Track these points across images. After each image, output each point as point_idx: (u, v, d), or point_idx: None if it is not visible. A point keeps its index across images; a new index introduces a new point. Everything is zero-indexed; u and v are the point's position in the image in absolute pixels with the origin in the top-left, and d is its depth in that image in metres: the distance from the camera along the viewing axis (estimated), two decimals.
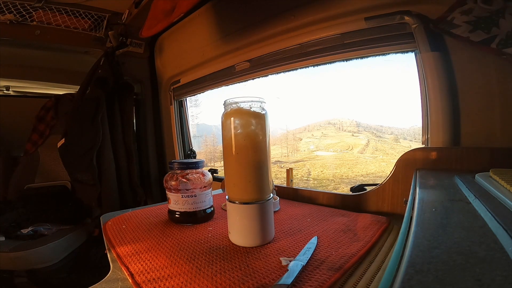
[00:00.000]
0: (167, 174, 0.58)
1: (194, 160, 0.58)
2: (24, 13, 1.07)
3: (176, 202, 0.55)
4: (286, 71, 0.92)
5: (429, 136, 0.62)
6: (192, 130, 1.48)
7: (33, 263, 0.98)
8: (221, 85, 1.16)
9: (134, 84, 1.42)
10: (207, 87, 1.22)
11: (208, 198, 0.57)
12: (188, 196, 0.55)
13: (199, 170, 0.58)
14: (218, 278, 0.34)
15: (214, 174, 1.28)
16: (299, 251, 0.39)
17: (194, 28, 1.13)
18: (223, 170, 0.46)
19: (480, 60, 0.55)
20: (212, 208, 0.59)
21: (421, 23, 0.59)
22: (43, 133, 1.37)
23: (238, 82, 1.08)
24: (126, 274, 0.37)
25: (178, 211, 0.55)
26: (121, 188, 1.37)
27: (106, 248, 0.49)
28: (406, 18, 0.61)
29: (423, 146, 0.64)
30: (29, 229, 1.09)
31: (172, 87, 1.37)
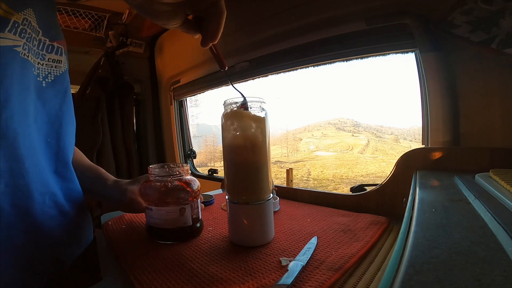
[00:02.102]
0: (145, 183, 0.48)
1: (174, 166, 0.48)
2: None
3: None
4: (286, 71, 0.92)
5: (429, 136, 0.62)
6: (192, 130, 1.48)
7: None
8: (221, 85, 1.16)
9: (134, 84, 1.42)
10: (207, 87, 1.22)
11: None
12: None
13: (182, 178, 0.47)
14: (218, 278, 0.34)
15: (214, 174, 1.28)
16: (299, 251, 0.39)
17: None
18: (223, 170, 0.46)
19: (480, 60, 0.55)
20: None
21: (421, 23, 0.59)
22: None
23: (238, 82, 1.08)
24: (126, 274, 0.37)
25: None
26: None
27: (106, 248, 0.49)
28: (406, 18, 0.61)
29: (423, 146, 0.64)
30: None
31: (172, 87, 1.37)
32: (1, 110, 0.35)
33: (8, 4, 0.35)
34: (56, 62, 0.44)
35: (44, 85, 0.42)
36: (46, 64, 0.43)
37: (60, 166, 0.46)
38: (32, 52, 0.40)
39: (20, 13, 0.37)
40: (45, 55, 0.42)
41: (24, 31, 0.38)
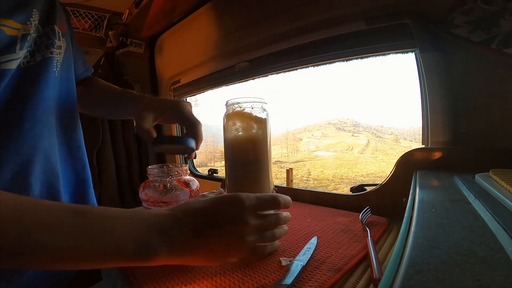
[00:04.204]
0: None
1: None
2: None
3: None
4: (286, 71, 0.92)
5: (429, 136, 0.62)
6: None
7: None
8: (221, 85, 1.16)
9: (134, 84, 1.42)
10: (207, 87, 1.22)
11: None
12: None
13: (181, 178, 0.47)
14: (218, 278, 0.34)
15: (214, 174, 1.28)
16: (299, 251, 0.39)
17: (194, 28, 1.13)
18: (224, 170, 0.46)
19: (480, 61, 0.55)
20: None
21: (421, 23, 0.59)
22: None
23: (238, 82, 1.08)
24: (126, 274, 0.37)
25: None
26: (121, 188, 1.37)
27: None
28: (406, 18, 0.61)
29: (423, 146, 0.64)
30: None
31: (172, 87, 1.37)
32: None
33: (16, 19, 0.36)
34: (59, 48, 0.44)
35: (56, 75, 0.44)
36: (58, 53, 0.44)
37: (74, 150, 0.49)
38: (44, 46, 0.41)
39: (27, 23, 0.37)
40: (54, 42, 0.42)
41: (31, 38, 0.38)
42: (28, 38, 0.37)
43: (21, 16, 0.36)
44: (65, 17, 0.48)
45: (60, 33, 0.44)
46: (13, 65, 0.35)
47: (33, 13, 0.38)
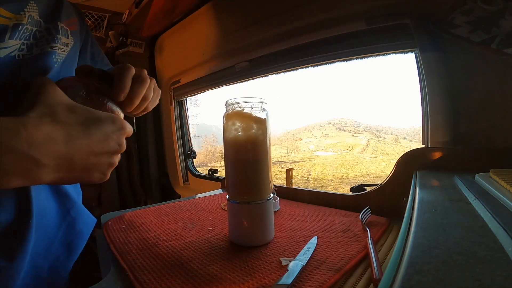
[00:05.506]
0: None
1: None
2: None
3: None
4: (286, 71, 0.92)
5: (429, 136, 0.62)
6: (192, 130, 1.48)
7: None
8: (221, 85, 1.16)
9: None
10: (207, 87, 1.22)
11: None
12: None
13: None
14: (218, 278, 0.34)
15: (214, 174, 1.28)
16: (299, 251, 0.39)
17: (194, 28, 1.13)
18: (224, 170, 0.46)
19: (480, 60, 0.55)
20: None
21: (421, 23, 0.59)
22: None
23: (238, 82, 1.08)
24: (126, 274, 0.37)
25: None
26: (121, 188, 1.37)
27: (106, 248, 0.49)
28: (406, 18, 0.61)
29: (423, 146, 0.64)
30: None
31: (172, 87, 1.37)
32: None
33: (7, 8, 0.35)
34: (65, 45, 0.44)
35: (57, 70, 0.43)
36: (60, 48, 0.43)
37: None
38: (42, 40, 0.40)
39: (21, 13, 0.37)
40: (59, 38, 0.42)
41: (27, 30, 0.38)
42: (20, 28, 0.36)
43: (14, 5, 0.36)
44: (77, 18, 0.48)
45: (69, 31, 0.44)
46: (1, 54, 0.35)
47: (29, 4, 0.38)
